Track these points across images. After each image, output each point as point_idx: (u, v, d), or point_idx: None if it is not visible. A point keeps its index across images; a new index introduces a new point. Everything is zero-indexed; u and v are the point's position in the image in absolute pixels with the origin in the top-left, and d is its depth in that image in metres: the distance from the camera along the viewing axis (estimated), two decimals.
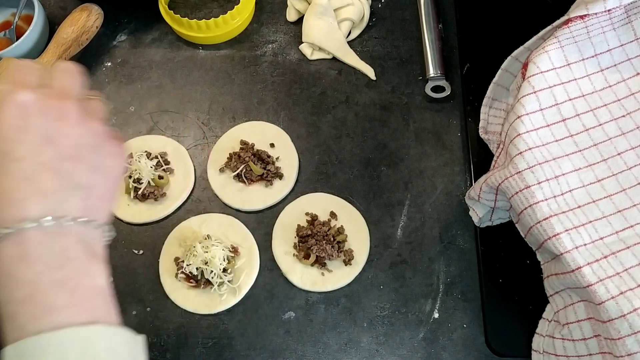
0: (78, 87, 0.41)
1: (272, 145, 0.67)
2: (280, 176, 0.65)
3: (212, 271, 0.58)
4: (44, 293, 0.34)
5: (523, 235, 0.55)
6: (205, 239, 0.61)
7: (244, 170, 0.64)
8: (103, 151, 0.39)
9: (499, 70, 0.60)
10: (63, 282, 0.35)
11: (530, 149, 0.51)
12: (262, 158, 0.65)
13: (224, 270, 0.59)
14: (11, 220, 0.34)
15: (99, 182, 0.39)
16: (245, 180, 0.64)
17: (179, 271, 0.60)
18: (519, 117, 0.52)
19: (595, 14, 0.52)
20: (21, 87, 0.37)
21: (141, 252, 0.63)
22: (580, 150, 0.53)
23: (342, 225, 0.63)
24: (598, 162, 0.52)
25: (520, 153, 0.51)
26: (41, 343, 0.33)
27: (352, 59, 0.72)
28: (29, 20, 0.72)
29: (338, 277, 0.61)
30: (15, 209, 0.34)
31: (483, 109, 0.63)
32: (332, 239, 0.61)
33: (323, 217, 0.63)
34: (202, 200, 0.66)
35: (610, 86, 0.55)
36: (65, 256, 0.35)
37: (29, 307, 0.33)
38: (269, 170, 0.64)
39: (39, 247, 0.34)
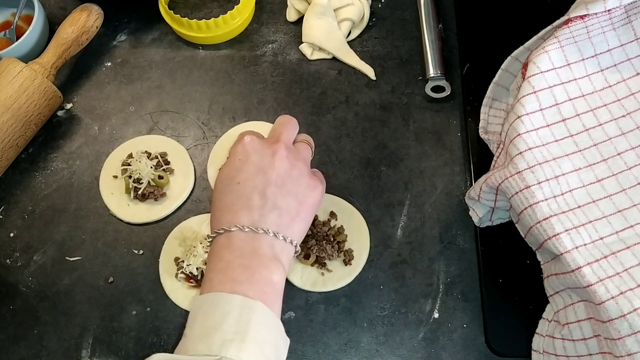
0: (292, 135, 0.56)
1: None
2: None
3: None
4: (233, 269, 0.47)
5: (523, 235, 0.55)
6: (205, 239, 0.61)
7: None
8: (301, 183, 0.52)
9: (499, 70, 0.60)
10: (248, 267, 0.47)
11: (530, 149, 0.51)
12: None
13: None
14: (227, 223, 0.49)
15: (294, 206, 0.51)
16: None
17: (179, 271, 0.60)
18: (519, 117, 0.52)
19: (595, 14, 0.52)
20: (247, 133, 0.54)
21: (141, 252, 0.63)
22: (580, 150, 0.53)
23: (342, 225, 0.63)
24: (598, 162, 0.52)
25: (520, 153, 0.51)
26: (219, 298, 0.46)
27: (352, 59, 0.72)
28: (29, 20, 0.72)
29: (338, 277, 0.61)
30: (232, 216, 0.50)
31: (483, 109, 0.63)
32: (332, 239, 0.61)
33: (323, 217, 0.63)
34: (202, 200, 0.66)
35: (610, 86, 0.55)
36: (255, 252, 0.48)
37: (221, 275, 0.47)
38: None
39: (239, 242, 0.49)
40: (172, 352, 0.58)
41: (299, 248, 0.51)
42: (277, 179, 0.51)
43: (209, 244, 0.52)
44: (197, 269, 0.58)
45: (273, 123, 0.68)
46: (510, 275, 0.59)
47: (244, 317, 0.44)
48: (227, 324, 0.44)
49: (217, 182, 0.53)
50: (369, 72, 0.71)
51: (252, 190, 0.50)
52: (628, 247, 0.48)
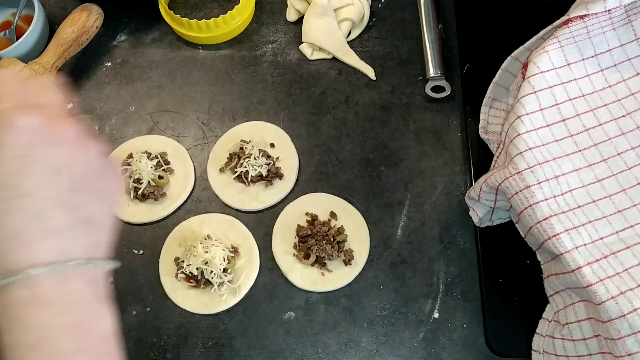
0: (64, 105, 0.36)
1: (272, 145, 0.67)
2: (280, 176, 0.65)
3: (212, 271, 0.58)
4: (54, 338, 0.32)
5: (523, 235, 0.55)
6: (206, 239, 0.61)
7: (244, 170, 0.64)
8: (101, 177, 0.36)
9: (499, 70, 0.60)
10: (73, 327, 0.33)
11: (530, 149, 0.51)
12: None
13: (224, 270, 0.59)
14: (22, 264, 0.31)
15: (102, 212, 0.36)
16: (245, 181, 0.64)
17: (179, 271, 0.60)
18: (519, 117, 0.52)
19: (595, 14, 0.52)
20: (20, 107, 0.33)
21: (141, 252, 0.63)
22: (580, 150, 0.53)
23: (342, 225, 0.63)
24: (598, 162, 0.52)
25: (520, 153, 0.51)
26: None
27: (352, 59, 0.72)
28: (29, 20, 0.72)
29: (338, 277, 0.61)
30: (25, 251, 0.32)
31: (483, 109, 0.63)
32: (332, 239, 0.61)
33: (323, 217, 0.63)
34: (202, 200, 0.66)
35: (610, 86, 0.55)
36: (75, 299, 0.33)
37: (38, 353, 0.31)
38: (269, 170, 0.64)
39: (50, 290, 0.32)
40: (172, 352, 0.58)
41: (117, 262, 0.37)
42: (77, 180, 0.34)
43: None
44: (197, 269, 0.58)
45: (273, 123, 0.69)
46: (510, 275, 0.59)
47: None
48: None
49: None
50: (369, 72, 0.71)
51: (49, 203, 0.33)
52: (628, 247, 0.48)
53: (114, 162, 0.38)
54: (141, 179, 0.63)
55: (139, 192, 0.63)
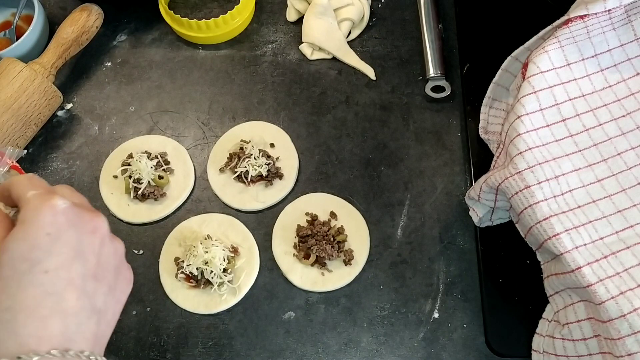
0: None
1: (272, 145, 0.67)
2: (280, 176, 0.65)
3: (212, 271, 0.58)
4: None
5: (523, 235, 0.55)
6: (206, 239, 0.61)
7: (244, 170, 0.64)
8: (120, 275, 0.39)
9: (499, 70, 0.60)
10: None
11: (530, 149, 0.51)
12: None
13: (224, 270, 0.59)
14: (34, 341, 0.32)
15: (111, 308, 0.37)
16: (245, 181, 0.64)
17: (179, 271, 0.60)
18: (519, 117, 0.52)
19: (595, 14, 0.52)
20: (57, 193, 0.36)
21: (141, 252, 0.63)
22: (580, 150, 0.53)
23: (342, 225, 0.63)
24: (598, 162, 0.52)
25: (520, 153, 0.51)
26: None
27: (352, 59, 0.72)
28: (29, 20, 0.72)
29: (338, 277, 0.61)
30: (39, 327, 0.33)
31: (483, 109, 0.63)
32: (332, 239, 0.61)
33: (323, 217, 0.63)
34: (202, 200, 0.66)
35: (610, 86, 0.55)
36: None
37: None
38: (269, 170, 0.64)
39: None
40: (172, 352, 0.58)
41: None
42: (98, 270, 0.36)
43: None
44: (197, 269, 0.58)
45: (273, 123, 0.69)
46: (510, 275, 0.59)
47: None
48: None
49: (2, 264, 0.34)
50: (369, 72, 0.71)
51: (68, 284, 0.34)
52: (628, 247, 0.48)
53: (128, 265, 0.40)
54: (141, 179, 0.63)
55: (139, 192, 0.63)
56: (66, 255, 0.35)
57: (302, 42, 0.73)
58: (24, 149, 0.68)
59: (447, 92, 0.68)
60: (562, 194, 0.50)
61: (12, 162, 0.53)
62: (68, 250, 0.35)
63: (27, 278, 0.34)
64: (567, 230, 0.48)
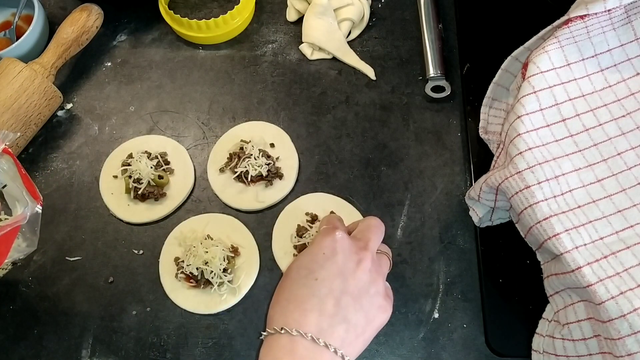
0: (378, 242, 0.52)
1: (272, 145, 0.67)
2: (280, 176, 0.65)
3: (212, 271, 0.58)
4: None
5: (523, 235, 0.55)
6: (206, 239, 0.61)
7: (244, 170, 0.64)
8: (375, 301, 0.48)
9: (499, 70, 0.60)
10: None
11: (530, 149, 0.51)
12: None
13: (224, 270, 0.59)
14: (294, 323, 0.44)
15: (361, 324, 0.47)
16: (245, 181, 0.64)
17: (179, 271, 0.60)
18: (519, 117, 0.52)
19: (595, 14, 0.52)
20: (339, 228, 0.50)
21: (141, 252, 0.63)
22: (580, 150, 0.53)
23: None
24: (598, 162, 0.52)
25: (520, 153, 0.51)
26: None
27: (352, 59, 0.72)
28: (29, 20, 0.72)
29: None
30: (300, 315, 0.45)
31: (483, 109, 0.63)
32: None
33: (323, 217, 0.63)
34: (202, 200, 0.66)
35: (610, 86, 0.55)
36: None
37: None
38: (269, 170, 0.64)
39: (303, 351, 0.43)
40: (172, 352, 0.58)
41: None
42: (355, 290, 0.47)
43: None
44: (197, 269, 0.58)
45: (273, 123, 0.69)
46: (510, 275, 0.59)
47: None
48: None
49: (292, 268, 0.49)
50: (369, 72, 0.71)
51: (329, 293, 0.46)
52: (628, 247, 0.48)
53: (388, 298, 0.50)
54: (141, 179, 0.63)
55: (139, 192, 0.63)
56: (332, 271, 0.47)
57: (302, 42, 0.73)
58: (24, 149, 0.68)
59: (447, 92, 0.68)
60: (562, 194, 0.50)
61: (4, 146, 0.54)
62: (335, 268, 0.47)
63: (302, 281, 0.47)
64: (567, 230, 0.49)
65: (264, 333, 0.46)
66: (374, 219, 0.53)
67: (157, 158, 0.66)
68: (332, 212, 0.62)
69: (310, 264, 0.48)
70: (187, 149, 0.68)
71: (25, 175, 0.57)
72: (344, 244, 0.49)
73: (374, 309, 0.48)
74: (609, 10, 0.52)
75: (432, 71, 0.69)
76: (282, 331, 0.44)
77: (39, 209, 0.56)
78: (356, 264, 0.48)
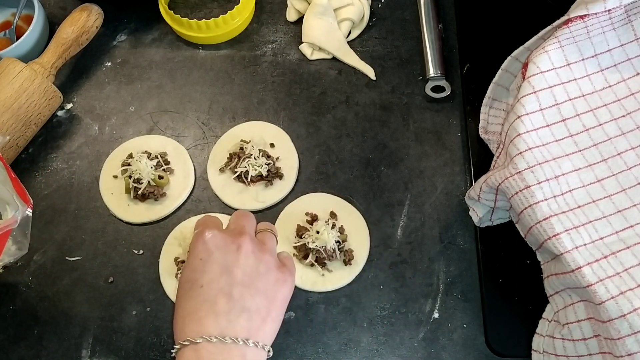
0: (253, 226, 0.52)
1: (272, 145, 0.67)
2: (280, 176, 0.65)
3: None
4: None
5: (523, 235, 0.55)
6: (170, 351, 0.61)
7: (244, 170, 0.64)
8: (270, 278, 0.48)
9: (499, 70, 0.60)
10: None
11: (530, 149, 0.51)
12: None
13: None
14: (193, 333, 0.44)
15: (263, 305, 0.46)
16: (245, 181, 0.64)
17: (179, 271, 0.60)
18: (519, 117, 0.52)
19: (595, 14, 0.52)
20: (207, 227, 0.49)
21: (141, 252, 0.63)
22: (580, 150, 0.53)
23: (342, 225, 0.63)
24: (598, 162, 0.52)
25: (520, 153, 0.51)
26: None
27: (352, 59, 0.72)
28: (29, 20, 0.72)
29: (338, 277, 0.61)
30: (197, 325, 0.44)
31: (483, 109, 0.63)
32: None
33: (323, 217, 0.63)
34: (202, 200, 0.66)
35: (610, 86, 0.55)
36: None
37: None
38: (269, 170, 0.64)
39: (208, 356, 0.43)
40: (166, 354, 0.58)
41: (271, 352, 0.47)
42: (244, 278, 0.47)
43: None
44: None
45: (273, 123, 0.69)
46: (510, 275, 0.59)
47: None
48: None
49: (179, 286, 0.48)
50: (369, 72, 0.71)
51: (217, 292, 0.45)
52: (628, 247, 0.48)
53: (284, 268, 0.50)
54: (141, 179, 0.63)
55: (139, 192, 0.63)
56: (215, 272, 0.46)
57: (302, 42, 0.73)
58: (24, 149, 0.68)
59: (447, 92, 0.68)
60: (562, 194, 0.50)
61: None
62: (216, 267, 0.47)
63: (189, 293, 0.46)
64: (567, 230, 0.49)
65: (173, 351, 0.45)
66: (240, 211, 0.54)
67: (157, 158, 0.66)
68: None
69: (192, 275, 0.47)
70: (187, 149, 0.68)
71: (15, 178, 0.57)
72: (216, 240, 0.48)
73: (270, 286, 0.48)
74: (609, 10, 0.52)
75: (432, 71, 0.69)
76: (186, 342, 0.44)
77: (29, 212, 0.56)
78: (236, 252, 0.48)
